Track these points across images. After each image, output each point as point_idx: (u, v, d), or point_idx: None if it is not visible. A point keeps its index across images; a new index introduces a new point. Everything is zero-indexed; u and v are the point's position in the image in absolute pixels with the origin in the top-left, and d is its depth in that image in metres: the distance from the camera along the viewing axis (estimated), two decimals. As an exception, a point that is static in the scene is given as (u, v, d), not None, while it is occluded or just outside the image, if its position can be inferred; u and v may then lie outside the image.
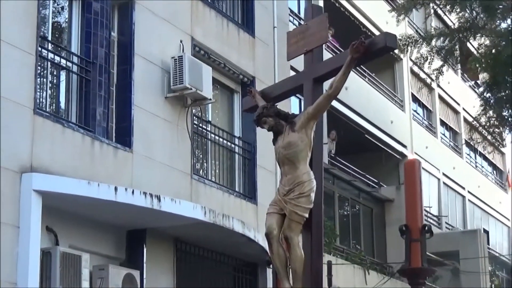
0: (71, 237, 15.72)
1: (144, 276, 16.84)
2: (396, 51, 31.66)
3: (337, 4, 31.44)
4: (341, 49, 31.04)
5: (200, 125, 19.90)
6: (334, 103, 29.87)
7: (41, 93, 15.82)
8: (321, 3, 30.11)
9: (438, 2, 29.10)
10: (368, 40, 8.64)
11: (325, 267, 22.71)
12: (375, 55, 8.96)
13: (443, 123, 41.45)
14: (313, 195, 8.61)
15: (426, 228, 7.93)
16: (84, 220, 15.99)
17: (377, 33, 33.57)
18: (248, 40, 21.33)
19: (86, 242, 16.03)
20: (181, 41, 18.71)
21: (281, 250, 8.59)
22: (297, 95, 12.78)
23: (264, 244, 20.24)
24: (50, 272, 14.69)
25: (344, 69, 8.54)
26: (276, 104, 9.48)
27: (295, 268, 8.51)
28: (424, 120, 39.34)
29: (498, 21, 27.06)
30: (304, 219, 8.59)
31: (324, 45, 28.52)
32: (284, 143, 8.72)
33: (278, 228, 8.56)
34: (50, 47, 16.32)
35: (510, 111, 28.42)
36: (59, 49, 16.66)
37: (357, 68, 32.04)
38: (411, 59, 33.48)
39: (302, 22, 28.77)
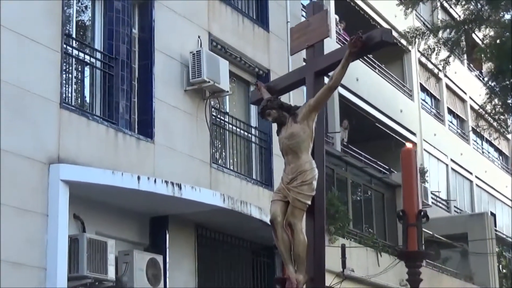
0: (97, 224, 15.78)
1: (167, 261, 16.89)
2: (405, 42, 31.70)
3: (347, 0, 31.43)
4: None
5: (218, 116, 19.92)
6: (346, 93, 29.95)
7: (66, 88, 15.86)
8: (332, 1, 30.11)
9: (444, -4, 29.00)
10: (365, 35, 8.67)
11: (339, 250, 22.75)
12: (372, 49, 9.01)
13: (450, 111, 41.35)
14: (315, 183, 8.63)
15: (422, 213, 7.93)
16: (109, 207, 16.05)
17: (386, 26, 33.57)
18: (263, 35, 21.33)
19: (112, 229, 16.10)
20: (199, 37, 18.72)
21: (285, 235, 8.60)
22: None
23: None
24: (78, 258, 14.74)
25: (343, 63, 8.57)
26: (280, 96, 9.57)
27: (298, 252, 8.52)
28: (432, 108, 39.25)
29: (501, 13, 27.00)
30: (307, 206, 8.61)
31: (336, 37, 28.55)
32: (287, 134, 8.74)
33: (282, 215, 8.58)
34: (74, 44, 16.36)
35: (513, 99, 28.37)
36: (83, 46, 16.72)
37: (368, 60, 32.08)
38: (419, 51, 33.39)
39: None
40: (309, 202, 8.62)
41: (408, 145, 8.25)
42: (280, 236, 8.63)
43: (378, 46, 8.91)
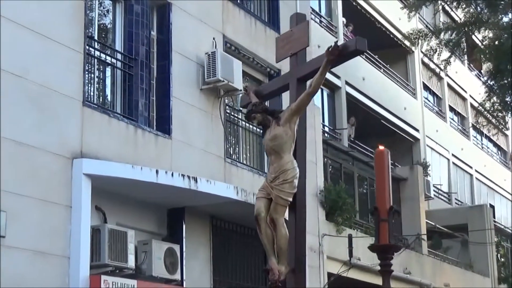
0: (118, 215, 15.81)
1: (184, 250, 16.91)
2: (408, 44, 31.66)
3: (354, 3, 31.35)
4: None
5: (232, 113, 19.93)
6: (353, 92, 29.94)
7: (89, 87, 15.89)
8: (339, 4, 30.10)
9: (445, 0, 28.94)
10: (341, 44, 8.70)
11: (346, 240, 22.77)
12: (348, 58, 9.01)
13: (451, 108, 41.30)
14: (296, 181, 8.66)
15: (393, 209, 7.97)
16: (129, 200, 16.08)
17: (391, 28, 33.59)
18: (274, 36, 21.25)
19: (131, 220, 16.13)
20: (213, 38, 18.72)
21: (268, 230, 8.64)
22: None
23: (291, 219, 20.37)
24: (100, 247, 14.78)
25: (321, 70, 8.60)
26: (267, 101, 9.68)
27: (280, 245, 8.57)
28: (434, 106, 39.19)
29: (500, 16, 26.91)
30: (288, 202, 8.66)
31: (343, 39, 28.45)
32: (270, 135, 8.78)
33: (266, 211, 8.62)
34: (96, 45, 16.39)
35: (511, 97, 28.28)
36: (104, 47, 16.74)
37: (373, 60, 32.06)
38: (421, 51, 33.27)
39: (323, 20, 28.81)
40: (291, 199, 8.66)
41: (381, 147, 8.27)
42: (263, 230, 8.68)
43: (353, 55, 8.98)
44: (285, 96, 10.18)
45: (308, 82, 8.91)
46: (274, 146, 8.77)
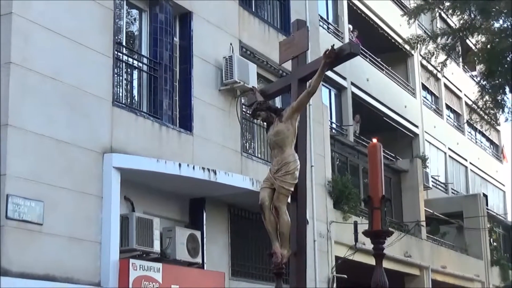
0: (145, 204, 15.83)
1: (204, 236, 16.93)
2: (408, 48, 31.58)
3: (359, 11, 31.31)
4: (363, 47, 30.99)
5: (248, 112, 19.89)
6: (358, 92, 29.91)
7: (118, 89, 15.90)
8: (345, 11, 30.05)
9: (442, 7, 28.87)
10: (337, 48, 8.69)
11: (352, 226, 22.75)
12: (343, 60, 8.98)
13: (448, 106, 41.21)
14: (297, 173, 8.63)
15: (385, 198, 7.95)
16: (155, 190, 16.09)
17: (392, 33, 33.52)
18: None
19: (157, 209, 16.14)
20: (231, 44, 18.71)
21: (272, 217, 8.63)
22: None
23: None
24: (128, 233, 14.81)
25: (319, 72, 8.58)
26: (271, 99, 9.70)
27: (283, 231, 8.56)
28: (432, 104, 39.11)
29: (492, 22, 26.87)
30: (290, 192, 8.64)
31: (351, 42, 28.43)
32: (274, 131, 8.76)
33: (269, 200, 8.61)
34: (124, 51, 16.41)
35: (502, 95, 28.20)
36: (132, 52, 16.76)
37: (376, 62, 32.00)
38: (420, 55, 33.27)
39: (330, 26, 28.76)
40: (292, 189, 8.64)
41: (374, 140, 8.26)
42: (267, 217, 8.68)
43: (348, 57, 8.92)
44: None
45: (308, 82, 8.90)
46: (277, 141, 8.76)
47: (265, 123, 9.18)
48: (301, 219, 8.70)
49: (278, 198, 8.60)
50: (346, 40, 29.57)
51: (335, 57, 8.60)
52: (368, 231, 7.96)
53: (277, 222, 8.65)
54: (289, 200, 8.79)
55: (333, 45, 8.85)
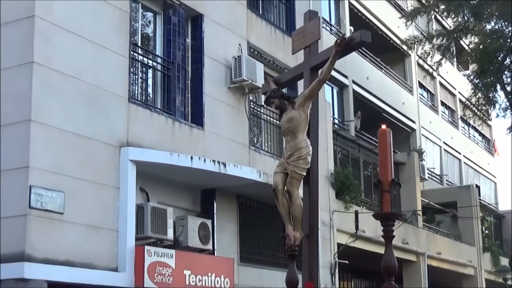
0: (159, 195, 15.82)
1: (215, 224, 16.93)
2: (406, 48, 31.54)
3: (359, 14, 31.23)
4: (364, 48, 30.89)
5: (255, 108, 19.89)
6: (359, 89, 29.85)
7: (133, 87, 15.89)
8: (347, 14, 29.98)
9: (437, 10, 28.83)
10: (347, 37, 8.59)
11: (353, 215, 22.74)
12: (354, 48, 8.82)
13: (443, 103, 41.12)
14: (309, 158, 8.51)
15: (394, 182, 7.82)
16: (168, 182, 16.08)
17: (390, 35, 33.44)
18: (291, 42, 21.22)
19: (170, 199, 16.13)
20: (239, 44, 18.67)
21: (285, 201, 8.53)
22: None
23: (306, 198, 20.34)
24: (143, 222, 14.80)
25: (330, 60, 8.45)
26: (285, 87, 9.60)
27: (295, 214, 8.46)
28: (428, 101, 39.02)
29: (484, 24, 26.85)
30: (302, 176, 8.52)
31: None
32: (287, 118, 8.65)
33: (282, 184, 8.50)
34: (140, 51, 16.39)
35: (494, 93, 28.21)
36: (147, 52, 16.74)
37: (376, 62, 31.92)
38: (417, 54, 33.21)
39: (332, 28, 28.68)
40: (304, 173, 8.52)
41: (383, 126, 8.09)
42: (280, 201, 8.57)
43: (359, 45, 8.76)
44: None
45: (320, 71, 8.78)
46: (290, 127, 8.64)
47: (275, 115, 9.06)
48: (313, 203, 8.57)
49: (291, 182, 8.49)
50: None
51: (345, 46, 8.49)
52: (378, 214, 7.79)
53: (290, 206, 8.55)
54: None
55: (344, 34, 8.77)
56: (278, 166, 8.67)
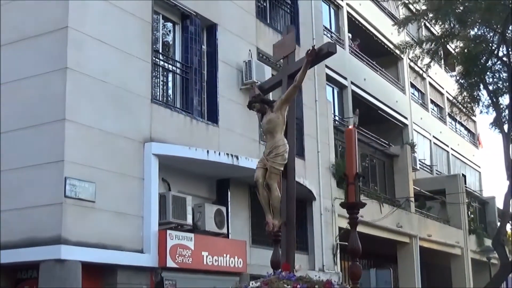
0: (179, 185, 15.86)
1: (229, 211, 16.96)
2: (398, 52, 31.48)
3: (356, 22, 31.18)
4: (361, 52, 30.89)
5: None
6: (357, 90, 29.80)
7: (155, 88, 15.93)
8: (345, 22, 29.93)
9: (426, 18, 28.77)
10: (317, 48, 8.66)
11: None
12: (323, 58, 8.89)
13: (432, 101, 40.96)
14: (286, 154, 8.51)
15: (358, 175, 7.88)
16: (187, 173, 16.12)
17: (385, 40, 33.36)
18: (296, 48, 21.22)
19: (189, 188, 16.17)
20: (249, 50, 18.70)
21: (265, 192, 8.54)
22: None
23: (311, 186, 20.37)
24: (165, 209, 14.85)
25: (303, 68, 8.51)
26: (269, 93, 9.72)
27: (274, 204, 8.48)
28: (419, 99, 38.91)
29: (468, 30, 26.79)
30: (280, 171, 8.57)
31: (349, 49, 28.32)
32: (266, 120, 8.67)
33: (263, 178, 8.50)
34: (161, 57, 16.43)
35: (477, 92, 28.16)
36: (167, 58, 16.76)
37: (372, 65, 31.88)
38: (409, 58, 33.10)
39: (332, 35, 28.65)
40: (282, 169, 8.55)
41: (350, 127, 8.17)
42: (261, 193, 8.60)
43: (327, 55, 8.83)
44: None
45: (295, 78, 8.84)
46: (269, 128, 8.67)
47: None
48: (290, 194, 8.62)
49: (270, 176, 8.51)
50: (347, 47, 29.52)
51: (315, 56, 8.59)
52: (345, 203, 7.92)
53: (269, 197, 8.60)
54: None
55: (314, 45, 8.84)
56: (259, 162, 8.70)
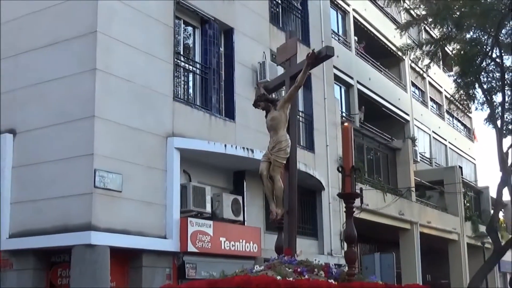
0: (199, 176, 15.82)
1: (245, 199, 16.91)
2: (401, 54, 31.33)
3: (362, 26, 31.03)
4: (366, 54, 30.73)
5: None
6: (362, 88, 29.70)
7: (177, 88, 15.87)
8: (352, 26, 29.78)
9: (426, 22, 28.61)
10: (316, 51, 8.60)
11: (358, 191, 22.58)
12: (322, 60, 8.86)
13: (431, 99, 40.77)
14: (288, 149, 8.48)
15: (354, 168, 7.79)
16: (207, 165, 16.07)
17: (388, 43, 33.20)
18: (306, 50, 21.05)
19: (208, 179, 16.12)
20: (263, 52, 18.60)
21: (269, 184, 8.51)
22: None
23: (320, 177, 20.27)
24: (186, 198, 14.81)
25: (303, 70, 8.48)
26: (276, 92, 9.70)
27: (277, 194, 8.45)
28: (419, 97, 38.72)
29: (464, 33, 26.67)
30: (283, 164, 8.52)
31: (355, 51, 28.23)
32: (270, 117, 8.65)
33: (267, 171, 8.47)
34: (182, 59, 16.36)
35: (473, 90, 28.00)
36: (188, 60, 16.70)
37: (376, 65, 31.73)
38: (410, 59, 32.94)
39: (340, 38, 28.50)
40: (284, 162, 8.52)
41: (345, 124, 8.10)
42: (265, 184, 8.57)
43: (325, 58, 8.84)
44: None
45: (296, 79, 8.78)
46: (272, 125, 8.65)
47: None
48: (292, 185, 8.57)
49: (274, 169, 8.49)
50: (353, 49, 29.38)
51: (315, 58, 8.55)
52: (341, 193, 7.85)
53: (273, 188, 8.56)
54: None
55: (313, 49, 8.80)
56: (264, 156, 8.70)
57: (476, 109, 30.33)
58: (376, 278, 7.62)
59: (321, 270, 7.51)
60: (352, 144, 7.93)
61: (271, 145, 8.61)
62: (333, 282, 7.14)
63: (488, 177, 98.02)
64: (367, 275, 7.96)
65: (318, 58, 8.65)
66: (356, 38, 30.31)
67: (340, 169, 7.78)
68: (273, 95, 9.68)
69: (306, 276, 7.21)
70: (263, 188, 8.67)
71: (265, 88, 9.49)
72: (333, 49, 8.70)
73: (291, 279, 6.93)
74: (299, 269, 7.37)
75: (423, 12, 27.76)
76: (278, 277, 6.92)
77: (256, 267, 7.84)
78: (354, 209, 7.86)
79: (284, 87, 9.30)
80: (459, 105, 33.11)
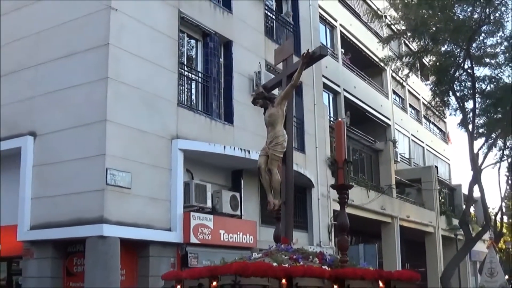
0: (200, 174, 15.77)
1: (242, 196, 16.86)
2: (383, 64, 31.32)
3: (348, 39, 31.00)
4: (352, 65, 30.71)
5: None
6: (348, 95, 29.63)
7: (181, 94, 15.83)
8: (339, 39, 29.76)
9: (405, 36, 28.63)
10: (311, 51, 8.56)
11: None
12: (316, 60, 8.85)
13: (410, 105, 40.75)
14: (285, 143, 8.45)
15: (346, 161, 7.74)
16: (208, 164, 16.03)
17: (371, 55, 33.17)
18: (293, 52, 21.07)
19: (209, 177, 16.07)
20: (259, 63, 18.57)
21: (267, 176, 8.48)
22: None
23: (310, 176, 20.23)
24: (189, 194, 14.77)
25: (298, 69, 8.45)
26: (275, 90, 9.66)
27: (275, 186, 8.42)
28: (400, 104, 38.68)
29: (440, 46, 26.76)
30: (280, 158, 8.47)
31: (342, 62, 28.10)
32: (268, 113, 8.63)
33: (265, 164, 8.44)
34: (185, 68, 16.32)
35: (447, 98, 28.06)
36: (191, 69, 16.66)
37: (361, 75, 31.71)
38: (391, 69, 32.92)
39: (328, 51, 28.47)
40: (281, 156, 8.48)
41: (339, 119, 8.05)
42: (263, 177, 8.54)
43: (319, 58, 8.79)
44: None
45: (292, 78, 8.73)
46: (270, 121, 8.61)
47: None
48: (289, 178, 8.53)
49: (271, 162, 8.45)
50: (340, 60, 29.36)
51: (310, 58, 8.51)
52: (335, 185, 7.79)
53: (270, 180, 8.50)
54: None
55: (308, 49, 8.77)
56: (262, 150, 8.66)
57: (450, 114, 30.40)
58: (367, 265, 7.57)
59: (315, 257, 7.47)
60: (344, 139, 7.85)
61: (268, 140, 8.56)
62: (327, 268, 7.10)
63: (460, 175, 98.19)
64: (357, 263, 7.93)
65: (313, 57, 8.60)
66: (342, 50, 30.29)
67: (333, 162, 7.73)
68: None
69: (301, 263, 7.17)
70: (261, 180, 8.59)
71: (264, 87, 9.46)
72: (326, 49, 8.66)
73: (286, 265, 6.89)
74: (294, 256, 7.33)
75: (403, 27, 27.77)
76: (274, 264, 6.87)
77: (254, 255, 7.80)
78: (346, 200, 7.79)
79: (281, 85, 9.25)
80: (435, 111, 33.14)
